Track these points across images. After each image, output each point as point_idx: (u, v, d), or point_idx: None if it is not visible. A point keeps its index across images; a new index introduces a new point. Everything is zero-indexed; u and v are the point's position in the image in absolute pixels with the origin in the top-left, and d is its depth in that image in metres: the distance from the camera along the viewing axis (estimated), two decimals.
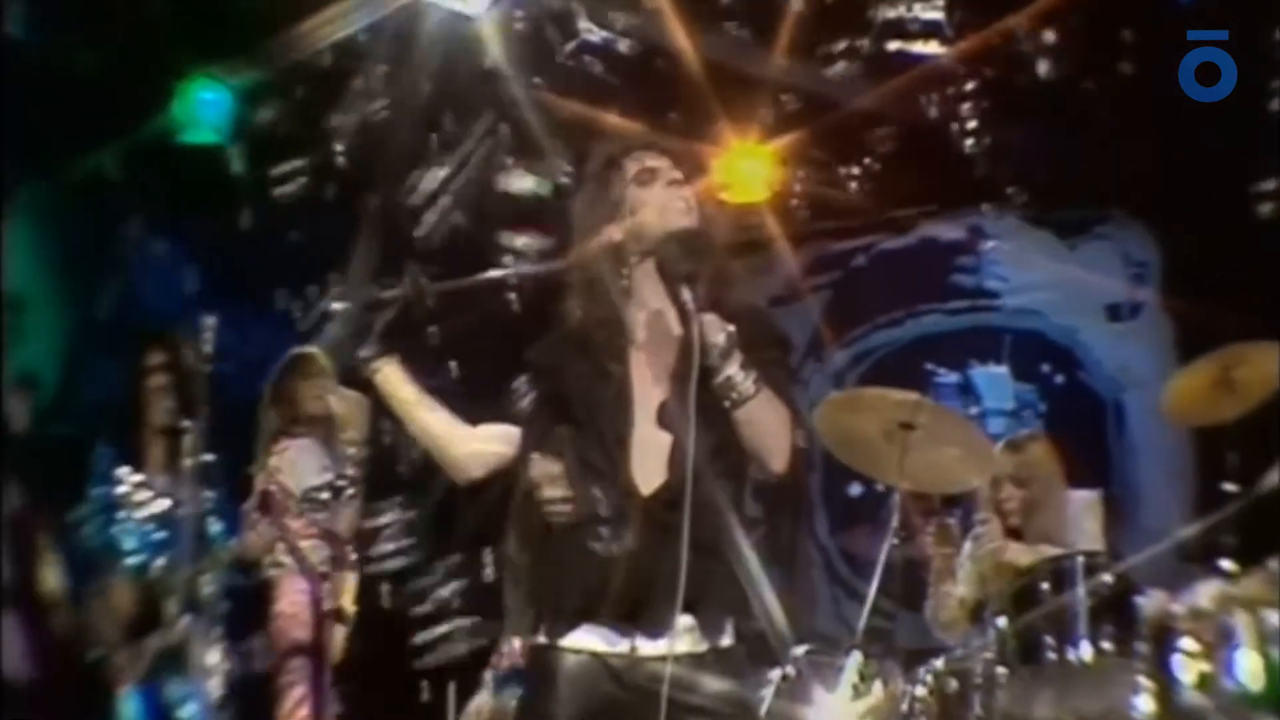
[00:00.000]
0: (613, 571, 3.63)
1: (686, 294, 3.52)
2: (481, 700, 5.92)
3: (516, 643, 5.75)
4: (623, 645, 3.61)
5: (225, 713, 5.53)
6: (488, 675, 5.91)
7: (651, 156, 3.79)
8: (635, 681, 3.60)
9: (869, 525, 6.47)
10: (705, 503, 3.56)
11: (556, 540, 3.76)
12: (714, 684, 3.58)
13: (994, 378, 8.28)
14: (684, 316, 3.53)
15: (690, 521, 3.56)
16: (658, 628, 3.60)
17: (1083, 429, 7.97)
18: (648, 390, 3.70)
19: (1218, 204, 7.31)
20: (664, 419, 3.67)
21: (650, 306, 3.74)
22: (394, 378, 3.90)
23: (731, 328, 3.54)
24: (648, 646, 3.61)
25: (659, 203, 3.73)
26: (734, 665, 3.65)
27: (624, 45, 6.90)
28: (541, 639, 3.72)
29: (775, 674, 5.43)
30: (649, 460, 3.65)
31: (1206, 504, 5.99)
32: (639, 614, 3.61)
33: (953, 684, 5.31)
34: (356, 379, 4.08)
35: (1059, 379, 8.34)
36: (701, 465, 3.59)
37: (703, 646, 3.60)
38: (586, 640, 3.64)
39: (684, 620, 3.59)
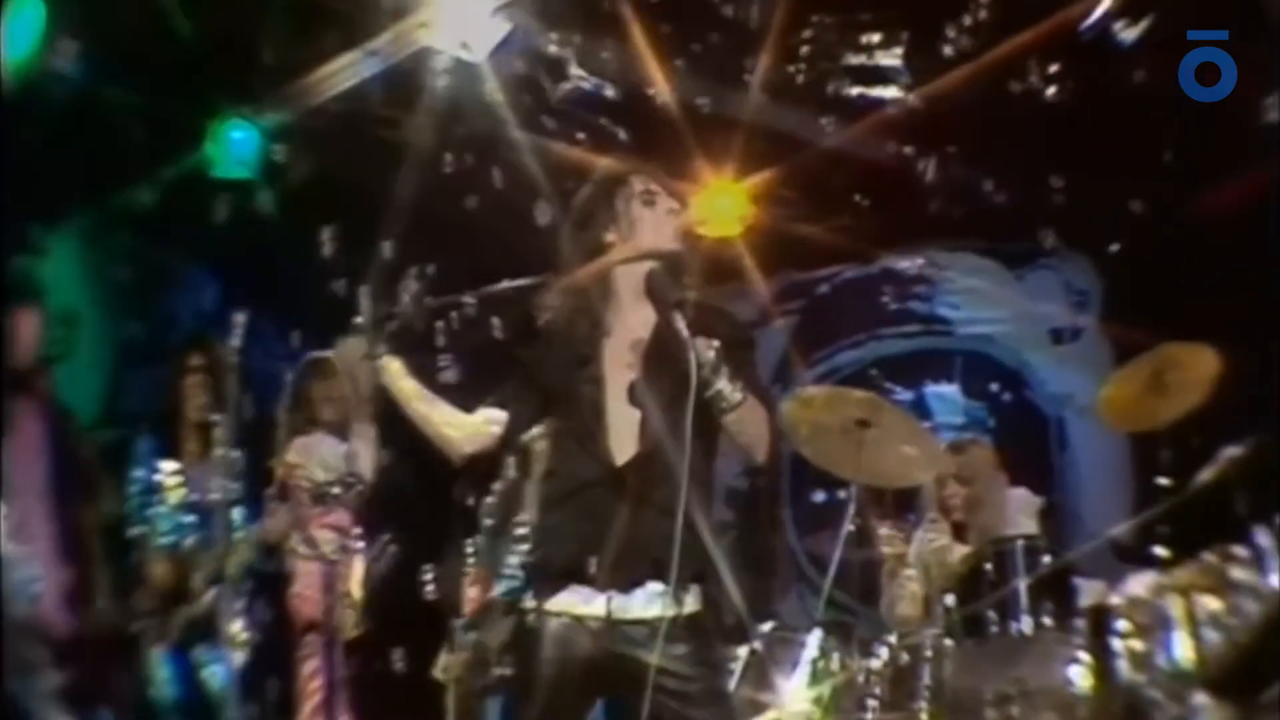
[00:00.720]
0: (592, 534, 3.70)
1: (680, 321, 3.59)
2: (448, 656, 5.99)
3: (473, 592, 5.85)
4: (599, 602, 3.67)
5: (248, 678, 5.57)
6: (456, 625, 5.99)
7: (655, 183, 3.88)
8: (611, 642, 3.66)
9: (832, 529, 6.48)
10: (673, 475, 3.62)
11: (544, 511, 3.85)
12: (682, 648, 3.65)
13: (945, 396, 8.31)
14: (679, 341, 3.60)
15: (661, 492, 3.64)
16: (631, 586, 3.66)
17: (1029, 443, 8.03)
18: (619, 374, 3.79)
19: (1152, 237, 7.38)
20: (634, 398, 3.74)
21: (625, 304, 3.85)
22: (396, 372, 3.99)
23: (717, 343, 3.61)
24: (621, 605, 3.66)
25: (655, 223, 3.85)
26: (701, 630, 3.71)
27: (611, 90, 6.94)
28: (530, 602, 3.78)
29: (743, 650, 5.41)
30: (622, 434, 3.77)
31: (1144, 502, 5.97)
32: (614, 573, 3.67)
33: (904, 657, 5.31)
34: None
35: (1007, 397, 8.38)
36: (670, 442, 3.67)
37: (671, 611, 3.65)
38: (568, 603, 3.70)
39: (653, 586, 3.65)
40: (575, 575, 3.72)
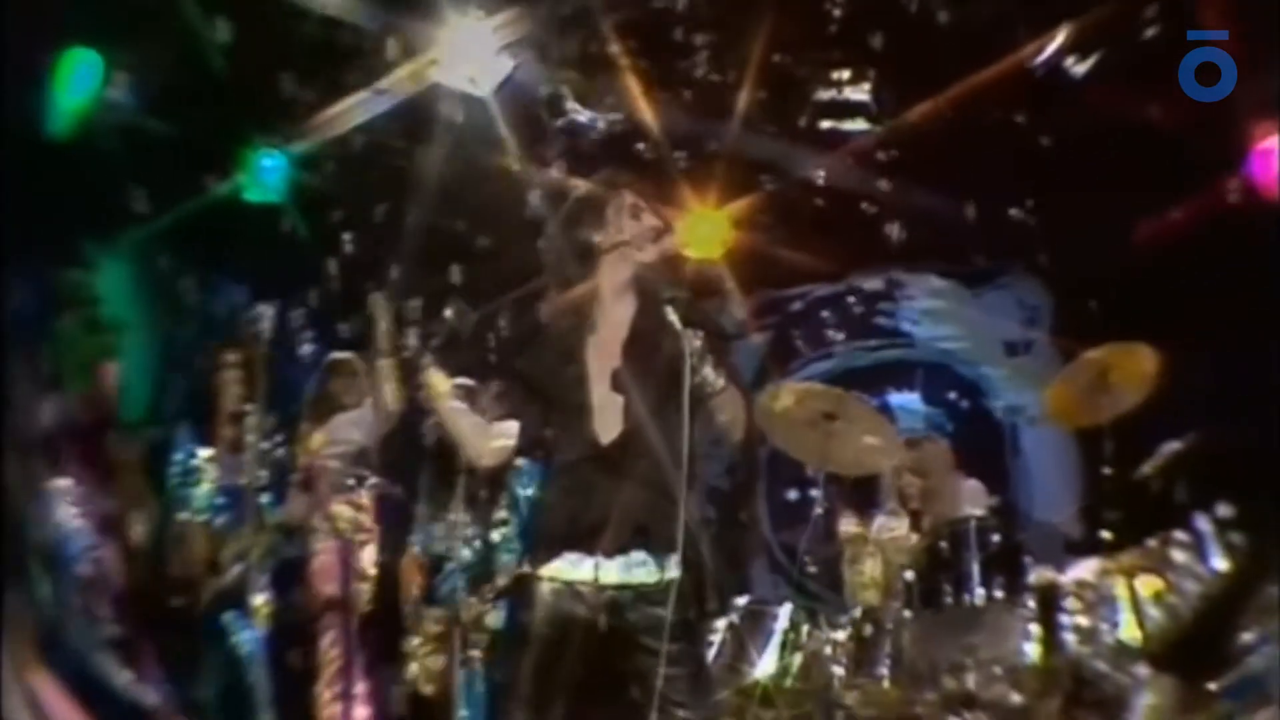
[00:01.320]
0: (580, 506, 3.78)
1: (673, 315, 3.69)
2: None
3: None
4: (586, 566, 3.73)
5: (274, 648, 5.62)
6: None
7: (644, 200, 4.00)
8: (598, 606, 3.76)
9: (803, 523, 6.54)
10: (654, 452, 3.71)
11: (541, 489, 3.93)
12: (663, 611, 3.70)
13: (907, 405, 8.33)
14: (671, 333, 3.71)
15: (644, 466, 3.72)
16: (617, 553, 3.74)
17: (984, 447, 8.00)
18: (603, 364, 3.89)
19: (1097, 258, 7.48)
20: (617, 384, 3.83)
21: (608, 302, 3.94)
22: (435, 379, 4.08)
23: (703, 333, 3.69)
24: (607, 571, 3.73)
25: (638, 235, 3.93)
26: (681, 597, 3.76)
27: (603, 122, 7.03)
28: (526, 568, 3.84)
29: (721, 623, 5.47)
30: (607, 417, 3.86)
31: (1091, 494, 6.02)
32: (602, 540, 3.74)
33: (868, 629, 5.40)
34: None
35: (964, 405, 8.39)
36: (655, 422, 3.76)
37: (654, 578, 3.73)
38: (559, 568, 3.77)
39: (637, 553, 3.72)
40: (566, 543, 3.80)
